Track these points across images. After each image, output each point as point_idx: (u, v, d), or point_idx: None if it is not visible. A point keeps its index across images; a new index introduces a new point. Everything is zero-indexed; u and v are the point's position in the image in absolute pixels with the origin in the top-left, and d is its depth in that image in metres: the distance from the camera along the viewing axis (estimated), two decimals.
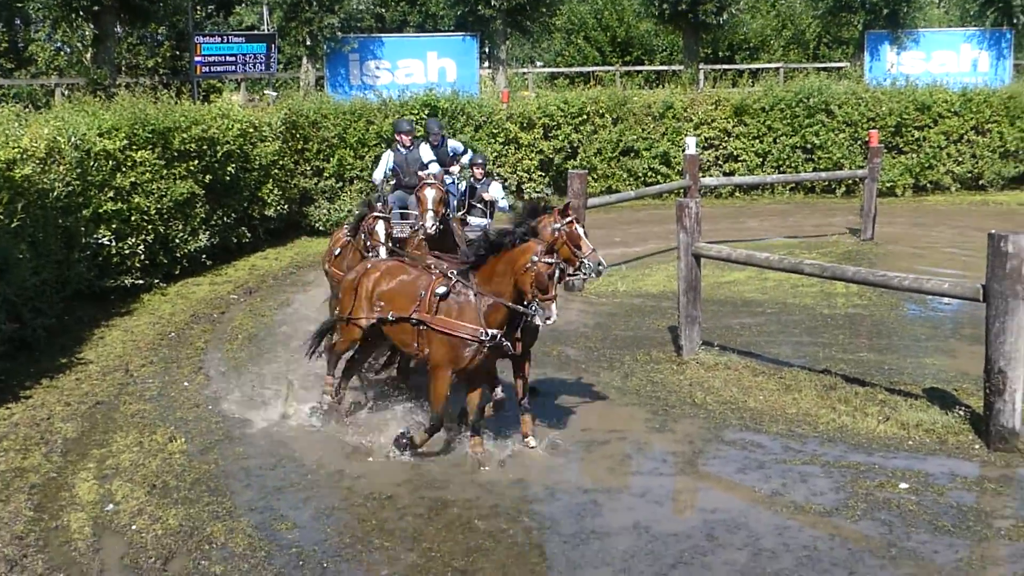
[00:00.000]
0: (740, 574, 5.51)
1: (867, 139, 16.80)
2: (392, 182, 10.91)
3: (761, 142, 19.54)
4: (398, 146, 10.95)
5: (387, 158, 10.91)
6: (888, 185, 18.85)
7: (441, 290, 6.95)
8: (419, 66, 21.47)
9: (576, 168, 16.80)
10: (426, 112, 17.47)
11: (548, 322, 6.77)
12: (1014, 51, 23.08)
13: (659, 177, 18.94)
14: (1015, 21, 22.59)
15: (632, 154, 19.30)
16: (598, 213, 14.64)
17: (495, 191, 10.72)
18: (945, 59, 22.71)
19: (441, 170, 10.22)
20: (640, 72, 26.23)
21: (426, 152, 10.77)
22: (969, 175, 19.70)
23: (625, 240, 15.39)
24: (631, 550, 5.79)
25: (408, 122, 11.60)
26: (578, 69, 26.94)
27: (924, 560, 5.65)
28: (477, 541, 5.97)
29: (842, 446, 7.29)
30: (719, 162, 19.65)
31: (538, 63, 31.31)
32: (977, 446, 7.25)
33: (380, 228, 8.48)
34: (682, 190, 14.95)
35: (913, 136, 19.48)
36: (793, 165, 19.41)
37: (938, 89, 19.88)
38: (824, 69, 24.49)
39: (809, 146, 19.41)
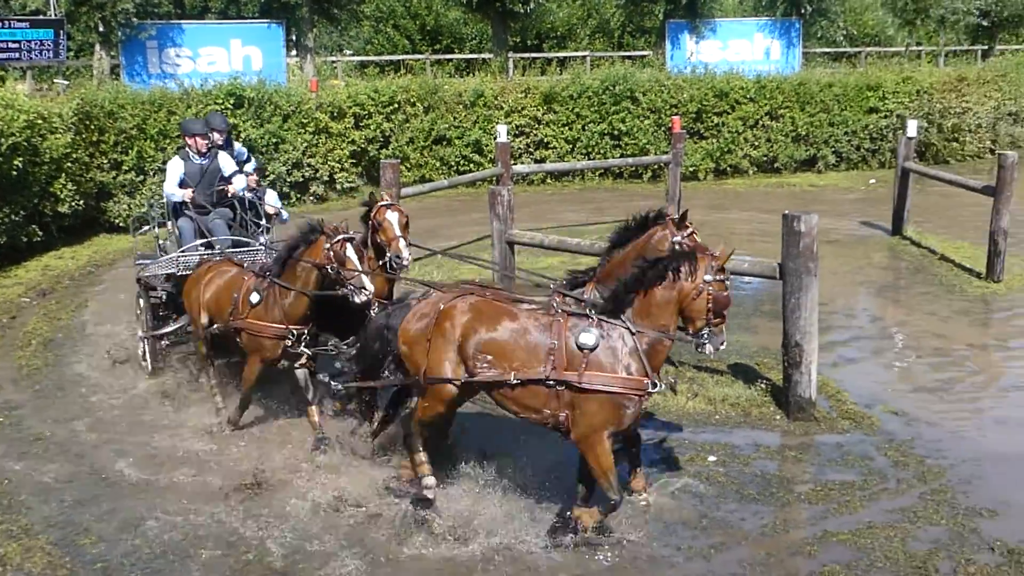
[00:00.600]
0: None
1: (670, 125, 17.43)
2: (175, 200, 8.81)
3: (570, 129, 19.99)
4: (190, 153, 8.79)
5: (175, 168, 8.75)
6: (691, 169, 19.69)
7: (589, 339, 5.43)
8: (222, 54, 20.71)
9: (389, 158, 16.70)
10: (231, 103, 16.91)
11: (720, 349, 5.62)
12: (803, 40, 24.49)
13: (471, 165, 19.10)
14: (803, 11, 23.96)
15: (444, 143, 19.38)
16: (412, 203, 14.53)
17: (272, 200, 9.58)
18: (740, 47, 23.87)
19: (247, 182, 9.10)
20: (450, 60, 26.29)
21: (227, 162, 9.03)
22: (765, 158, 20.80)
23: (439, 229, 15.38)
24: None
25: (202, 122, 9.29)
26: (388, 57, 26.73)
27: (733, 528, 5.96)
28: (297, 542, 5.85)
29: (655, 423, 7.53)
30: (530, 149, 19.97)
31: (347, 51, 30.87)
32: (778, 417, 7.68)
33: (352, 254, 6.69)
34: (494, 178, 15.06)
35: (713, 122, 20.39)
36: (601, 151, 19.94)
37: (735, 76, 20.87)
38: (628, 57, 25.26)
39: (616, 132, 19.99)
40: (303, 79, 21.01)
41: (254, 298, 7.10)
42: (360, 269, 6.68)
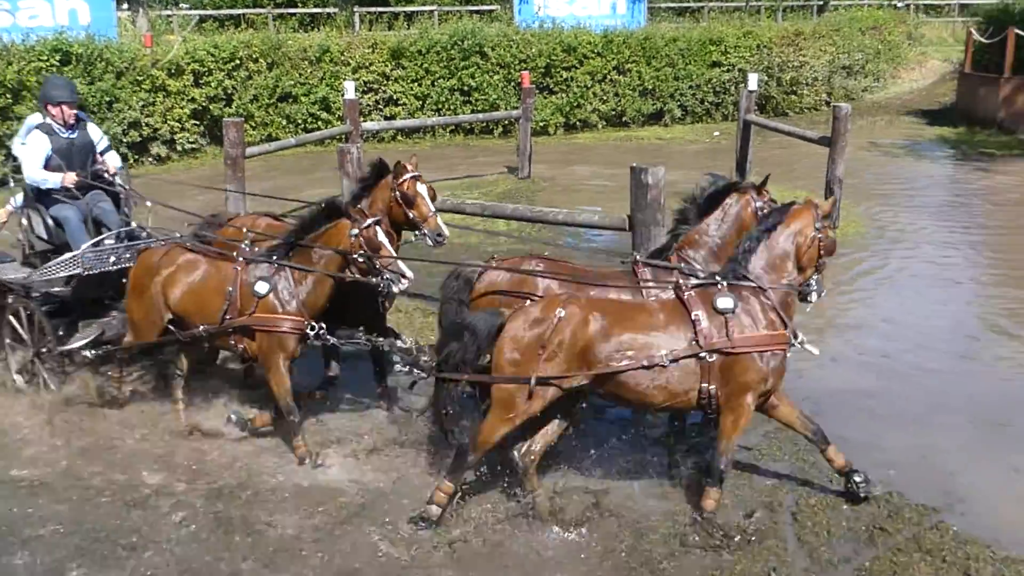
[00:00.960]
0: None
1: (519, 80, 17.44)
2: (47, 187, 7.26)
3: (419, 85, 19.80)
4: (54, 125, 7.23)
5: (40, 146, 7.13)
6: (541, 124, 19.84)
7: (728, 303, 5.32)
8: (45, 7, 19.39)
9: (232, 116, 16.11)
10: (57, 59, 15.96)
11: (823, 296, 5.85)
12: None
13: (319, 123, 18.70)
14: None
15: (290, 100, 18.90)
16: (258, 162, 14.09)
17: (114, 162, 7.88)
18: (588, 2, 24.02)
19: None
20: (294, 15, 25.55)
21: (95, 133, 7.64)
22: (613, 112, 21.12)
23: (288, 190, 14.99)
24: None
25: (68, 85, 7.62)
26: (228, 12, 25.72)
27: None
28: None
29: None
30: (379, 106, 19.69)
31: (183, 5, 29.56)
32: None
33: (384, 238, 6.07)
34: (343, 136, 14.77)
35: (562, 77, 20.54)
36: (452, 107, 19.84)
37: (582, 31, 21.06)
38: (477, 12, 25.12)
39: (466, 88, 19.92)
40: (136, 34, 20.01)
41: (261, 288, 6.18)
42: (395, 255, 6.11)
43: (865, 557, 5.17)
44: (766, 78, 21.80)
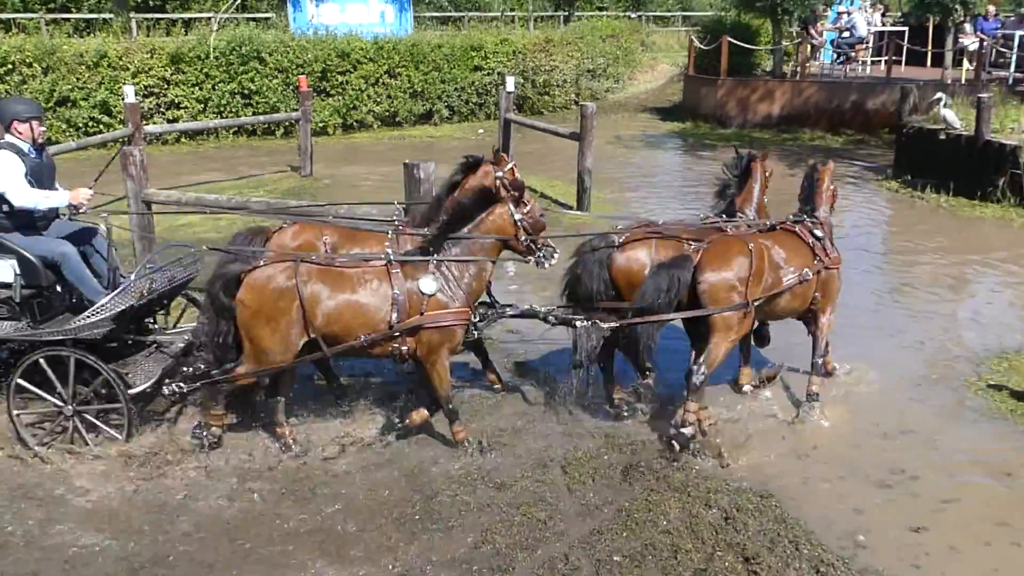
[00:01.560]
0: None
1: (297, 84, 17.06)
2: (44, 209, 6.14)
3: (200, 89, 18.94)
4: (21, 144, 6.08)
5: (15, 165, 5.92)
6: (320, 125, 19.48)
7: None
8: None
9: None
10: None
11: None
12: (414, 5, 24.84)
13: (101, 127, 17.53)
14: None
15: (69, 104, 17.60)
16: None
17: None
18: (358, 11, 23.69)
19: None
20: (68, 20, 23.71)
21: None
22: (387, 113, 21.03)
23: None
24: None
25: (31, 102, 6.56)
26: None
27: None
28: None
29: None
30: (161, 110, 18.69)
31: None
32: None
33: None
34: (126, 138, 13.94)
35: (338, 80, 20.22)
36: (233, 110, 19.13)
37: (355, 38, 20.78)
38: (253, 19, 24.26)
39: (247, 92, 19.25)
40: None
41: (429, 287, 5.75)
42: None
43: (625, 498, 5.48)
44: (522, 81, 22.38)
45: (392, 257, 5.86)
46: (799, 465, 5.97)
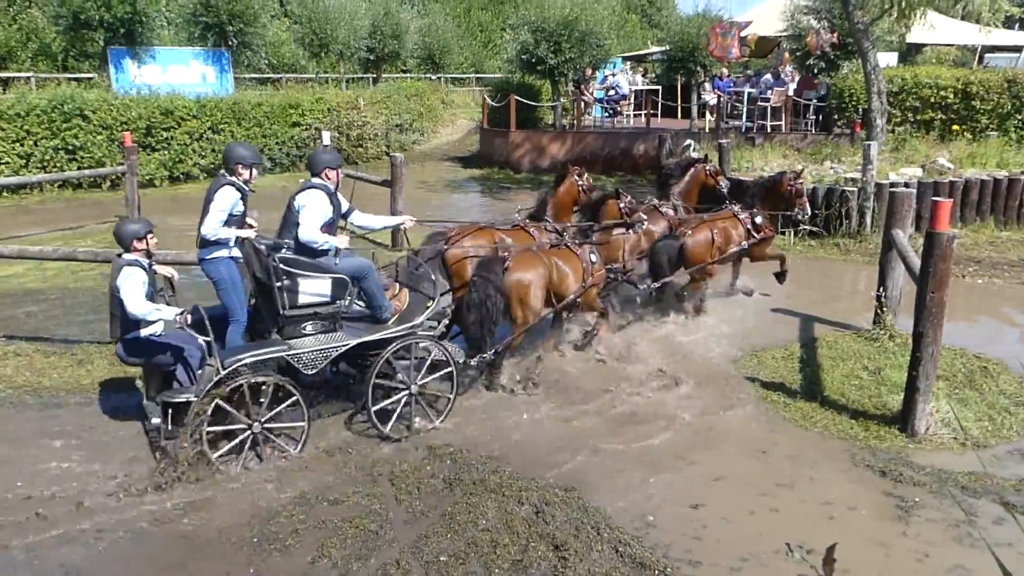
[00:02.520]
0: None
1: (122, 140, 15.93)
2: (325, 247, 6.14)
3: (22, 145, 17.31)
4: (332, 187, 6.31)
5: (325, 205, 6.12)
6: (147, 178, 18.30)
7: None
8: None
9: None
10: None
11: None
12: (233, 67, 23.90)
13: None
14: (230, 43, 23.34)
15: None
16: None
17: None
18: (179, 72, 22.53)
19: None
20: None
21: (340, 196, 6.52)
22: (213, 165, 20.02)
23: None
24: None
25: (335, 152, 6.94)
26: None
27: None
28: None
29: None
30: None
31: None
32: None
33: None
34: None
35: (163, 136, 19.06)
36: (58, 165, 17.60)
37: (177, 97, 19.67)
38: (75, 79, 22.53)
39: (71, 147, 17.77)
40: None
41: (595, 258, 7.68)
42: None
43: (448, 503, 5.38)
44: (337, 135, 21.96)
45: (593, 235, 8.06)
46: (596, 459, 6.07)
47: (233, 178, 6.21)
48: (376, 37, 28.43)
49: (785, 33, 22.72)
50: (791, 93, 21.26)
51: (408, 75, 32.52)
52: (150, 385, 6.18)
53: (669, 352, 8.18)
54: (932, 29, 17.91)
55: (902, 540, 5.02)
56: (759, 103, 21.13)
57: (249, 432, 5.72)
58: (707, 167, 9.66)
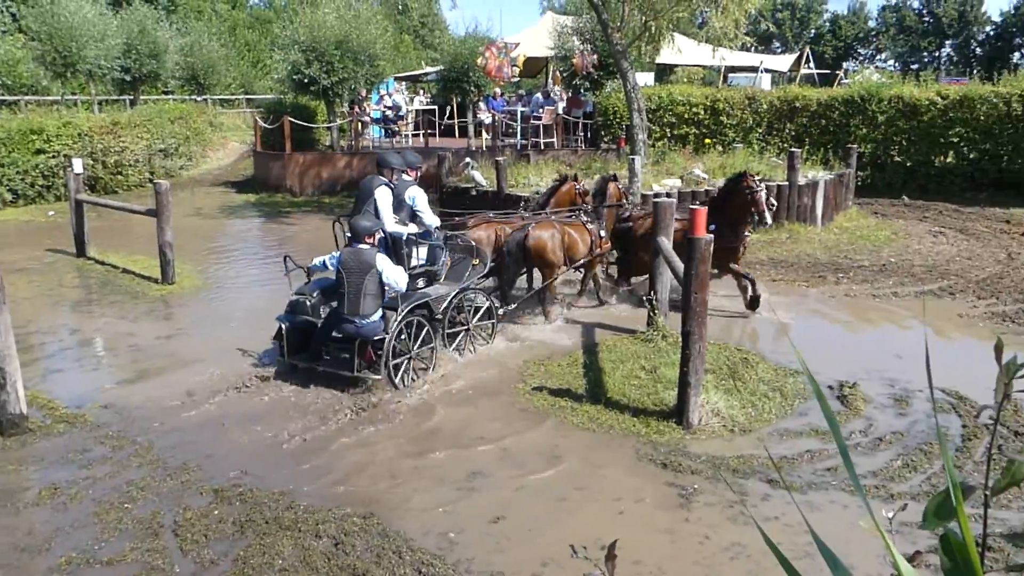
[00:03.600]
0: None
1: None
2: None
3: None
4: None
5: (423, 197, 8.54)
6: None
7: None
8: None
9: None
10: None
11: None
12: None
13: None
14: None
15: None
16: None
17: None
18: None
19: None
20: None
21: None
22: None
23: None
24: None
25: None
26: None
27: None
28: None
29: None
30: None
31: None
32: None
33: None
34: None
35: None
36: None
37: None
38: None
39: None
40: None
41: (602, 231, 10.21)
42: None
43: (239, 547, 5.11)
44: (92, 162, 20.28)
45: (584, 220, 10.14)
46: (394, 482, 6.03)
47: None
48: (131, 56, 26.68)
49: (553, 54, 23.93)
50: (561, 111, 22.40)
51: (171, 96, 30.77)
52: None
53: (460, 364, 8.30)
54: (679, 52, 19.60)
55: (685, 525, 5.41)
56: (532, 121, 22.08)
57: (409, 357, 7.68)
58: (576, 186, 10.76)
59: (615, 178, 10.75)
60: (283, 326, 7.83)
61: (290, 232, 16.51)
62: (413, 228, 8.25)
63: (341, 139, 23.52)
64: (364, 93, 23.18)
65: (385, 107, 24.71)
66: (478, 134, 24.04)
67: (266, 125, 22.86)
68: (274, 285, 11.97)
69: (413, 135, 24.58)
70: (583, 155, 20.41)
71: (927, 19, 64.96)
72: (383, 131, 24.65)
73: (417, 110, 25.61)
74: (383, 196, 8.00)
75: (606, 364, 8.44)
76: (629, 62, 17.16)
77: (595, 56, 21.75)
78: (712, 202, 10.27)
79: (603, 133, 22.06)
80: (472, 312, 8.66)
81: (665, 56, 20.96)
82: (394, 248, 8.11)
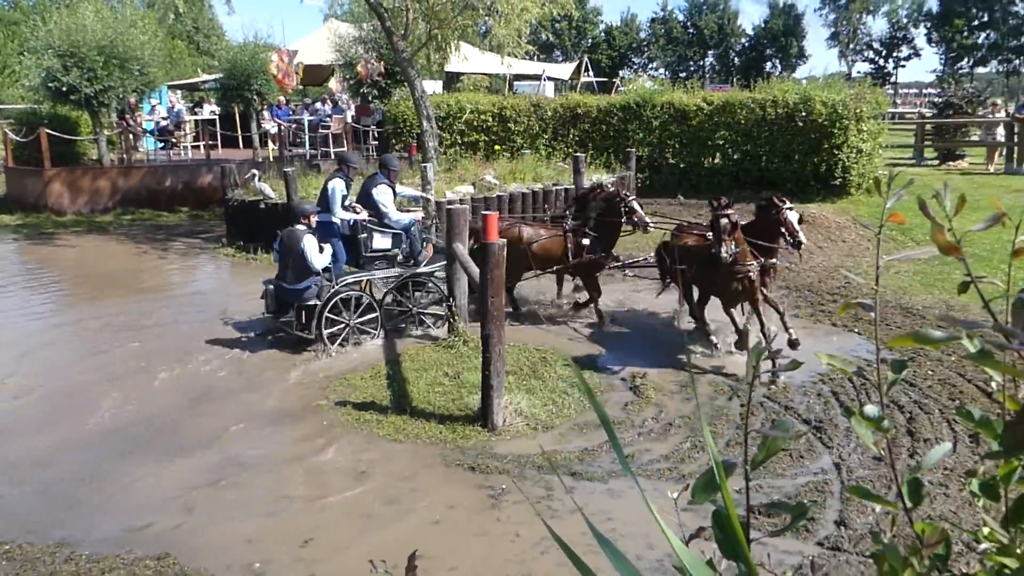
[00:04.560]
0: None
1: None
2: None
3: None
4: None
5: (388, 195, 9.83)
6: None
7: None
8: None
9: None
10: None
11: None
12: None
13: None
14: None
15: None
16: None
17: None
18: None
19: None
20: None
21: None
22: None
23: None
24: None
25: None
26: None
27: None
28: None
29: None
30: None
31: None
32: None
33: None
34: None
35: None
36: None
37: None
38: None
39: None
40: None
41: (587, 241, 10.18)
42: None
43: None
44: None
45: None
46: (191, 517, 5.70)
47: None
48: None
49: (338, 62, 23.60)
50: (349, 120, 22.14)
51: None
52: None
53: (253, 388, 8.00)
54: (466, 60, 19.96)
55: (497, 525, 5.54)
56: (320, 130, 21.66)
57: (346, 326, 9.00)
58: (597, 192, 10.46)
59: (603, 186, 10.18)
60: (268, 288, 9.11)
61: (55, 253, 15.15)
62: (364, 215, 9.47)
63: (111, 152, 21.87)
64: (133, 102, 21.70)
65: (160, 117, 23.28)
66: (264, 144, 23.24)
67: (18, 139, 20.80)
68: (41, 311, 10.96)
69: (193, 146, 23.34)
70: (375, 163, 20.28)
71: (691, 31, 70.46)
72: (160, 143, 23.22)
73: (196, 120, 24.34)
74: (337, 187, 9.53)
75: (409, 373, 8.45)
76: (416, 70, 17.27)
77: (381, 64, 21.71)
78: (744, 229, 8.44)
79: (394, 141, 22.05)
80: (425, 297, 9.91)
81: (454, 64, 21.30)
82: (352, 232, 9.47)
